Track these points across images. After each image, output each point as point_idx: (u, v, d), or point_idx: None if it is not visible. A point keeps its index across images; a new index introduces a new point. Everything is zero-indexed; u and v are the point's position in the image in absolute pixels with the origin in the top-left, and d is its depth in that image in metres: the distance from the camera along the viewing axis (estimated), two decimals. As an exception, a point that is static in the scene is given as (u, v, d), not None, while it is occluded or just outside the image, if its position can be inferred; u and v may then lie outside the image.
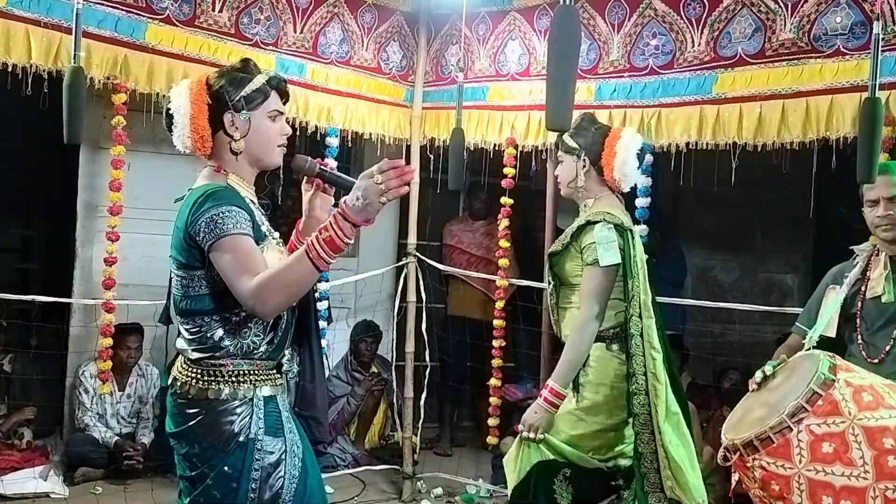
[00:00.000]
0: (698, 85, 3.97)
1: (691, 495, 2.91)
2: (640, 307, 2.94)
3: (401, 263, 5.25)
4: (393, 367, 5.57)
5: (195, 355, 2.17)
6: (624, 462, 3.07)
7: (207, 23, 4.33)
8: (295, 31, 4.67)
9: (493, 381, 4.89)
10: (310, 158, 2.32)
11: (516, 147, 4.70)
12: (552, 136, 4.41)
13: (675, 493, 2.89)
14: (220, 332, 2.15)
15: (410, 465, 5.02)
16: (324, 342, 5.17)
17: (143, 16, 4.11)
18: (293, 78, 4.66)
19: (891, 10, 3.36)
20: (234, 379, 2.16)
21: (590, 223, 3.00)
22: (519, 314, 5.16)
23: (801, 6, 3.66)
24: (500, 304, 4.89)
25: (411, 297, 5.16)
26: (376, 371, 5.62)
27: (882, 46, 3.05)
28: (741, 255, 6.62)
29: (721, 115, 3.88)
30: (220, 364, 2.16)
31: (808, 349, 2.50)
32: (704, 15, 3.97)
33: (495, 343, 4.90)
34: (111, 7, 4.00)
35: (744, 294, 6.48)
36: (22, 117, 4.92)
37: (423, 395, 5.21)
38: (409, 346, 5.15)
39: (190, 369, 2.18)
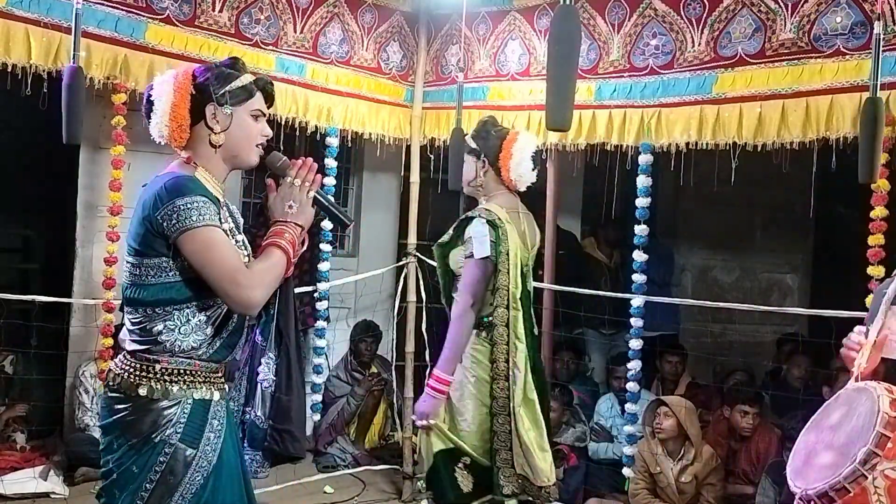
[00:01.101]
0: (698, 85, 3.97)
1: (538, 476, 3.11)
2: (507, 299, 3.12)
3: (401, 263, 5.25)
4: (393, 367, 5.57)
5: (132, 346, 2.12)
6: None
7: (207, 23, 4.33)
8: (295, 31, 4.67)
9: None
10: (284, 158, 2.29)
11: (516, 147, 4.70)
12: (553, 136, 4.42)
13: (525, 470, 3.09)
14: (160, 326, 2.09)
15: (410, 465, 5.02)
16: (323, 342, 5.19)
17: (143, 16, 4.11)
18: (293, 78, 4.67)
19: (891, 10, 3.36)
20: (167, 377, 2.09)
21: (469, 218, 3.20)
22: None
23: (802, 6, 3.66)
24: (500, 304, 4.89)
25: (411, 297, 5.15)
26: (376, 371, 5.61)
27: (882, 46, 3.05)
28: (741, 255, 6.62)
29: (721, 115, 3.88)
30: (154, 360, 2.10)
31: (857, 376, 2.44)
32: (704, 15, 3.97)
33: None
34: (111, 7, 4.00)
35: (744, 294, 6.48)
36: (22, 117, 4.91)
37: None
38: (409, 346, 5.15)
39: (125, 362, 2.13)
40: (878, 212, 3.52)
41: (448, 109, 4.91)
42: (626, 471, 4.48)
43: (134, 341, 2.12)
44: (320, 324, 5.14)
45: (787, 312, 5.39)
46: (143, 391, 2.08)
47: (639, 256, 4.33)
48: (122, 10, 4.04)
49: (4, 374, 4.88)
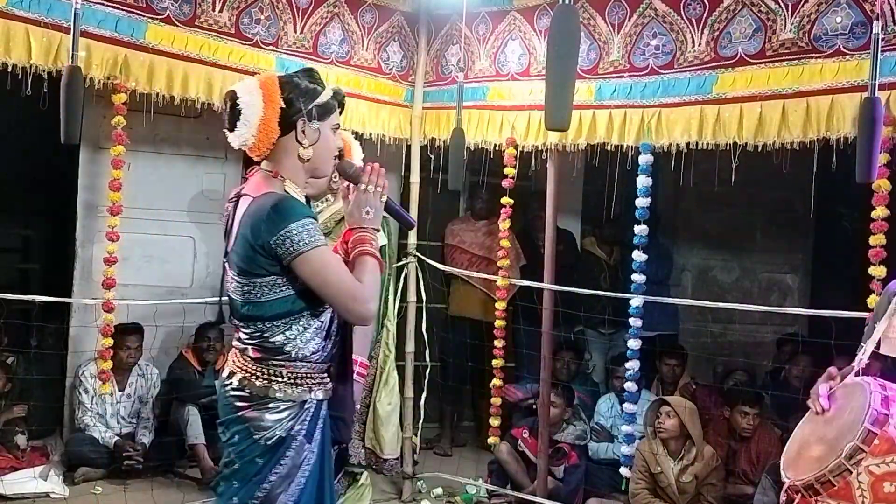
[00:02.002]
0: (698, 85, 3.97)
1: (384, 448, 3.43)
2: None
3: (401, 263, 5.25)
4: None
5: (255, 355, 2.23)
6: None
7: (207, 23, 4.33)
8: (295, 31, 4.67)
9: (495, 381, 4.90)
10: (356, 165, 2.35)
11: (516, 147, 4.70)
12: (553, 137, 4.42)
13: (372, 444, 3.38)
14: (281, 337, 2.20)
15: (410, 465, 5.02)
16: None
17: (143, 16, 4.11)
18: (293, 78, 4.66)
19: (891, 10, 3.36)
20: (291, 381, 2.22)
21: None
22: (519, 314, 5.16)
23: (802, 6, 3.66)
24: (501, 305, 4.89)
25: (411, 297, 5.15)
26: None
27: (882, 46, 3.05)
28: (741, 255, 6.61)
29: (721, 116, 3.87)
30: (280, 366, 2.21)
31: (858, 371, 2.45)
32: (705, 15, 3.96)
33: (496, 343, 4.90)
34: (111, 7, 4.00)
35: (744, 294, 6.48)
36: (22, 117, 4.92)
37: (423, 395, 5.21)
38: (410, 346, 5.15)
39: (249, 365, 2.23)
40: (879, 212, 3.52)
41: (448, 109, 4.91)
42: (623, 470, 4.48)
43: (257, 350, 2.22)
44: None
45: (787, 312, 5.38)
46: (270, 393, 2.20)
47: (638, 256, 4.33)
48: (122, 9, 4.04)
49: (9, 375, 4.88)
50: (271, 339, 2.19)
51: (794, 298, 6.49)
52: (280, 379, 2.20)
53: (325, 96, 2.26)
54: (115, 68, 4.04)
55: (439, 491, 4.99)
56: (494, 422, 4.92)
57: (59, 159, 4.98)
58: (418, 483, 5.04)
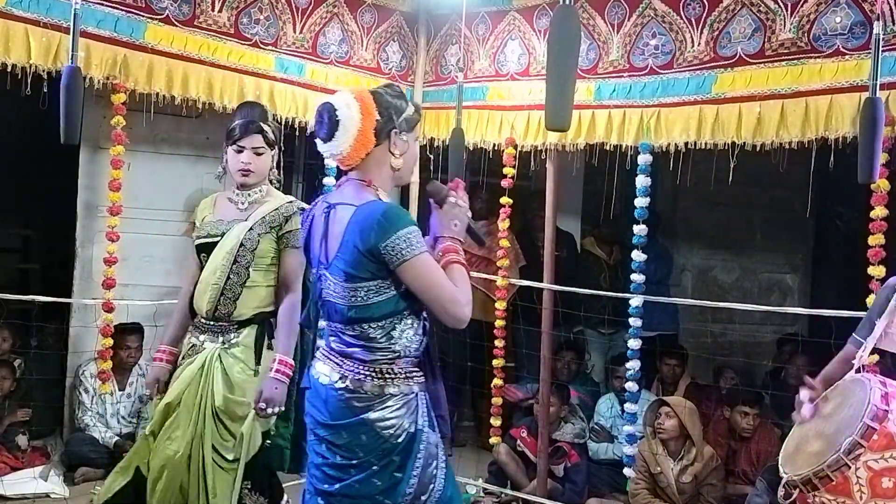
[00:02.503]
0: (698, 85, 3.97)
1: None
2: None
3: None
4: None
5: (366, 356, 2.32)
6: None
7: (207, 23, 4.33)
8: (294, 31, 4.67)
9: (496, 381, 4.89)
10: (444, 187, 2.45)
11: (516, 147, 4.70)
12: (552, 136, 4.42)
13: None
14: (390, 336, 2.31)
15: (410, 465, 5.01)
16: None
17: (143, 16, 4.11)
18: (293, 78, 4.67)
19: (891, 10, 3.36)
20: (403, 377, 2.33)
21: (298, 210, 3.19)
22: (519, 314, 5.15)
23: (801, 6, 3.66)
24: (501, 305, 4.89)
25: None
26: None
27: (882, 46, 3.05)
28: (741, 255, 6.61)
29: (720, 115, 3.87)
30: (391, 363, 2.32)
31: (859, 368, 2.45)
32: (704, 15, 3.96)
33: (496, 343, 4.90)
34: (110, 7, 4.00)
35: (744, 294, 6.48)
36: (22, 117, 4.92)
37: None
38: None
39: (359, 367, 2.32)
40: (878, 212, 3.52)
41: (448, 109, 4.91)
42: (626, 471, 4.48)
43: (365, 351, 2.32)
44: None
45: (787, 312, 5.38)
46: (386, 391, 2.30)
47: (638, 256, 4.33)
48: (122, 10, 4.04)
49: (15, 377, 4.88)
50: (381, 339, 2.30)
51: (794, 298, 6.49)
52: (391, 376, 2.31)
53: (409, 110, 2.41)
54: (115, 68, 4.04)
55: (439, 491, 4.98)
56: (495, 422, 4.92)
57: (59, 159, 4.97)
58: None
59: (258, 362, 3.09)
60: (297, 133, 5.02)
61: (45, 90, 3.80)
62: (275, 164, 3.30)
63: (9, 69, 3.72)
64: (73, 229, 4.98)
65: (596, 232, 6.08)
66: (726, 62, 3.88)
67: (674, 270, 6.29)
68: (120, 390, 4.89)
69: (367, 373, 2.31)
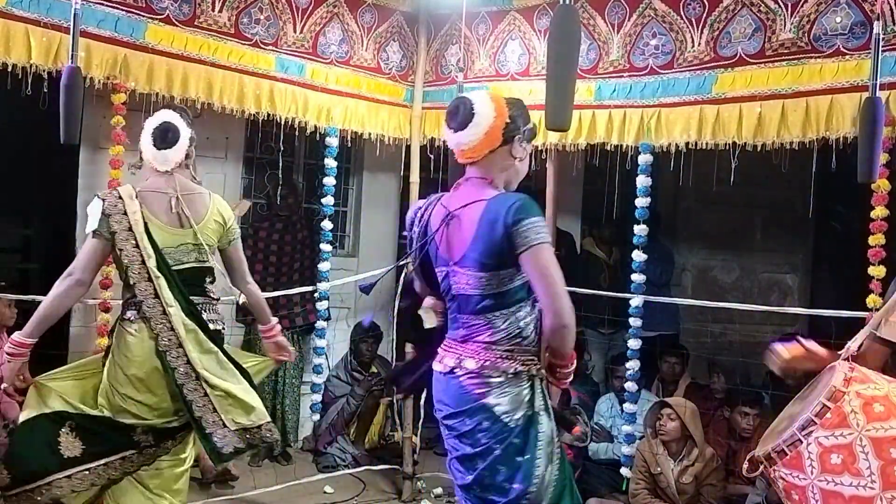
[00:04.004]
0: (698, 85, 3.97)
1: (257, 417, 3.17)
2: (146, 273, 3.10)
3: (401, 263, 5.24)
4: (393, 368, 5.56)
5: (488, 342, 2.42)
6: (159, 421, 3.15)
7: (207, 23, 4.33)
8: (295, 31, 4.67)
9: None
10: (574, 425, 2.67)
11: (516, 147, 4.69)
12: (553, 136, 4.42)
13: (239, 422, 3.11)
14: (516, 321, 2.42)
15: (410, 465, 5.02)
16: (323, 342, 5.19)
17: (143, 16, 4.11)
18: (293, 78, 4.68)
19: (891, 10, 3.36)
20: (521, 361, 2.41)
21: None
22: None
23: (801, 6, 3.66)
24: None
25: (411, 297, 5.14)
26: (376, 371, 5.61)
27: (882, 46, 3.05)
28: (741, 255, 6.61)
29: (721, 115, 3.88)
30: (511, 349, 2.41)
31: (847, 357, 2.46)
32: (704, 15, 3.97)
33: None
34: (111, 7, 4.00)
35: (744, 294, 6.48)
36: (22, 117, 4.91)
37: (423, 395, 5.20)
38: (410, 346, 5.13)
39: (488, 352, 2.41)
40: (879, 212, 3.53)
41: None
42: (623, 471, 4.48)
43: (491, 337, 2.43)
44: (320, 324, 5.15)
45: (787, 312, 5.38)
46: (508, 375, 2.39)
47: (638, 256, 4.33)
48: (122, 10, 4.04)
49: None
50: (501, 326, 2.41)
51: (794, 298, 6.49)
52: (511, 361, 2.39)
53: (531, 123, 2.59)
54: (115, 68, 4.04)
55: (439, 491, 4.99)
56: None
57: (59, 159, 4.97)
58: (418, 483, 5.04)
59: None
60: (296, 133, 5.02)
61: (46, 90, 3.79)
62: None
63: (9, 69, 3.71)
64: (73, 229, 4.98)
65: (595, 232, 6.08)
66: (727, 62, 3.89)
67: (674, 271, 6.29)
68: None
69: (489, 358, 2.39)
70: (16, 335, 3.07)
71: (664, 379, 5.26)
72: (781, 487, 2.25)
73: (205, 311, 3.22)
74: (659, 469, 4.33)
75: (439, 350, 2.55)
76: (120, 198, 3.12)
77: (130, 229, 3.10)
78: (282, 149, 5.03)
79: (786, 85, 3.69)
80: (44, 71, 3.79)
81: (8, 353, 3.02)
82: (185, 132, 3.22)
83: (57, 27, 3.77)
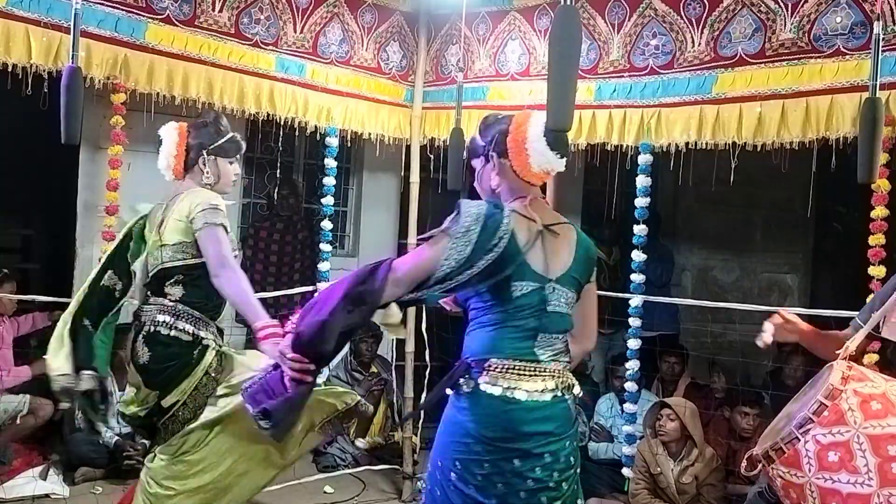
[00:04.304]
0: (698, 85, 3.97)
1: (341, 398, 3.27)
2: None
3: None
4: (393, 367, 5.56)
5: (568, 359, 2.41)
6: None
7: (207, 23, 4.33)
8: (295, 31, 4.67)
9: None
10: None
11: (516, 147, 4.69)
12: (552, 136, 4.41)
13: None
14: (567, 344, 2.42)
15: (410, 465, 5.02)
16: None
17: (143, 16, 4.12)
18: (293, 78, 4.68)
19: (891, 10, 3.36)
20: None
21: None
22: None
23: (801, 6, 3.66)
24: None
25: (411, 296, 5.14)
26: (376, 371, 5.61)
27: (882, 46, 3.05)
28: (741, 255, 6.62)
29: (721, 115, 3.88)
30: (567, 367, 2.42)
31: (845, 356, 2.48)
32: (704, 15, 3.97)
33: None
34: (111, 7, 4.00)
35: (744, 294, 6.48)
36: (22, 117, 4.91)
37: (423, 395, 5.20)
38: (409, 346, 5.14)
39: (567, 373, 2.40)
40: (879, 212, 3.53)
41: (448, 109, 4.91)
42: (625, 471, 4.48)
43: (567, 357, 2.43)
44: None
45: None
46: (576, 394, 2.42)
47: (638, 256, 4.33)
48: (122, 10, 4.05)
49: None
50: (567, 347, 2.41)
51: (794, 298, 6.49)
52: (573, 381, 2.42)
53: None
54: (115, 68, 4.04)
55: (439, 491, 4.98)
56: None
57: (59, 159, 4.97)
58: (418, 483, 5.03)
59: None
60: (296, 133, 5.02)
61: (46, 90, 3.80)
62: None
63: (9, 69, 3.72)
64: (73, 229, 4.98)
65: (594, 233, 6.07)
66: (727, 62, 3.89)
67: (674, 271, 6.29)
68: (120, 390, 4.88)
69: (571, 380, 2.41)
70: (267, 320, 3.01)
71: (664, 379, 5.26)
72: (780, 486, 2.25)
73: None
74: (659, 469, 4.34)
75: (499, 371, 2.28)
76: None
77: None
78: (282, 149, 5.04)
79: (786, 85, 3.69)
80: (44, 71, 3.79)
81: (274, 336, 2.91)
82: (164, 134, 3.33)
83: (57, 27, 3.77)
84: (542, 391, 2.28)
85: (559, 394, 2.32)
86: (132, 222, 3.37)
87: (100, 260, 3.41)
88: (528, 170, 2.38)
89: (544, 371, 2.30)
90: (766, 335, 2.57)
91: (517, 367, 2.28)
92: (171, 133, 3.27)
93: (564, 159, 2.41)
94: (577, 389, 2.41)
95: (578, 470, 2.42)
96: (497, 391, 2.26)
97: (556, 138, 2.38)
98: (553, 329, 2.35)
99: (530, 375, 2.28)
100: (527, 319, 2.30)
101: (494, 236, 2.22)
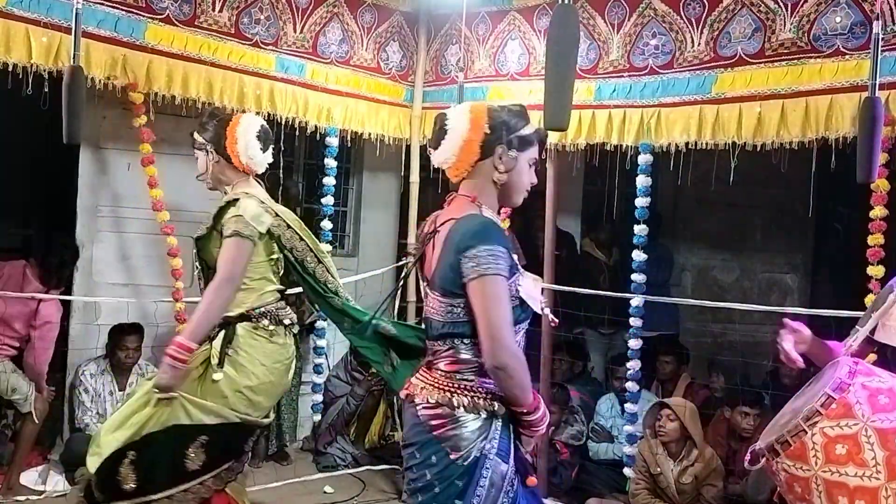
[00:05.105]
0: (698, 85, 3.97)
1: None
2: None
3: (401, 263, 5.25)
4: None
5: (450, 368, 2.26)
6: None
7: (207, 23, 4.33)
8: (295, 31, 4.67)
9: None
10: None
11: (516, 147, 4.70)
12: (552, 136, 4.41)
13: None
14: (472, 354, 2.23)
15: (410, 465, 5.01)
16: (323, 342, 5.19)
17: (143, 16, 4.12)
18: (293, 78, 4.68)
19: (891, 10, 3.36)
20: (483, 393, 2.23)
21: (230, 203, 3.14)
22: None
23: (801, 6, 3.66)
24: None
25: (411, 297, 5.15)
26: (376, 371, 5.61)
27: (882, 46, 3.05)
28: (741, 255, 6.62)
29: (720, 115, 3.88)
30: (474, 379, 2.24)
31: (850, 346, 2.50)
32: (704, 15, 3.97)
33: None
34: (111, 7, 4.00)
35: (744, 294, 6.48)
36: (22, 117, 4.91)
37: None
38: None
39: (442, 381, 2.26)
40: (878, 212, 3.53)
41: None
42: (626, 471, 4.48)
43: (457, 366, 2.25)
44: (320, 324, 5.14)
45: (787, 312, 5.37)
46: (464, 408, 2.21)
47: (638, 256, 4.33)
48: (122, 9, 4.05)
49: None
50: (468, 356, 2.23)
51: (794, 298, 6.49)
52: (473, 393, 2.22)
53: (528, 129, 2.35)
54: (115, 68, 4.04)
55: (439, 491, 4.98)
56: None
57: (60, 159, 4.97)
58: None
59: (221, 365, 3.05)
60: (296, 133, 5.02)
61: (46, 90, 3.80)
62: (210, 165, 3.28)
63: (9, 69, 3.72)
64: (74, 229, 4.99)
65: (593, 235, 6.07)
66: (726, 62, 3.89)
67: (674, 271, 6.29)
68: (120, 390, 4.89)
69: (447, 388, 2.23)
70: (184, 340, 2.92)
71: (662, 379, 5.26)
72: (783, 480, 2.23)
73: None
74: (659, 469, 4.33)
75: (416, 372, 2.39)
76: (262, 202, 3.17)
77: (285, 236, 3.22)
78: (282, 149, 5.03)
79: (785, 85, 3.69)
80: (44, 71, 3.79)
81: (176, 359, 2.89)
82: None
83: (57, 27, 3.77)
84: (403, 394, 2.33)
85: (413, 397, 2.29)
86: None
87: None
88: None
89: (417, 375, 2.34)
90: (791, 352, 2.49)
91: (414, 370, 2.39)
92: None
93: (434, 151, 2.37)
94: (448, 402, 2.21)
95: (449, 493, 2.20)
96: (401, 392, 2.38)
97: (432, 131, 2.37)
98: (430, 334, 2.32)
99: (412, 378, 2.36)
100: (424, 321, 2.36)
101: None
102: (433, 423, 2.22)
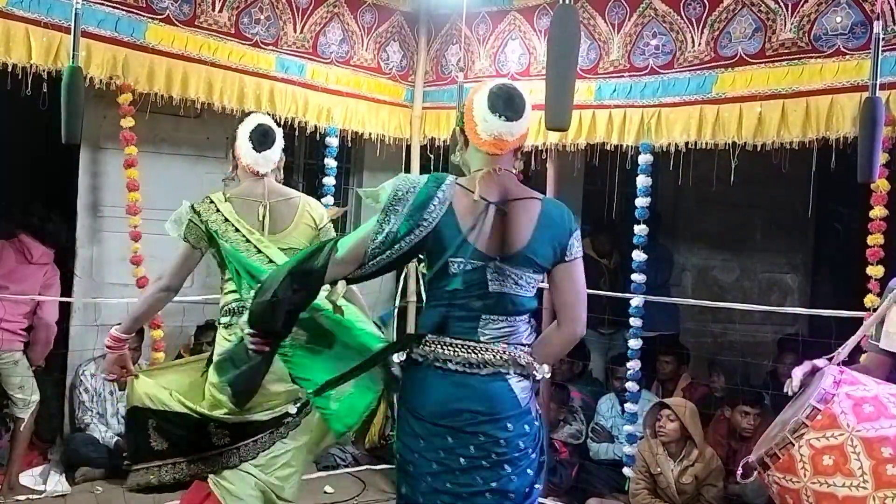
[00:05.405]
0: (698, 85, 3.97)
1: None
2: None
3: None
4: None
5: (528, 341, 2.34)
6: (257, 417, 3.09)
7: (207, 23, 4.33)
8: (295, 31, 4.67)
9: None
10: None
11: (516, 147, 4.70)
12: (553, 136, 4.42)
13: None
14: (531, 326, 2.35)
15: (410, 465, 5.01)
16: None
17: (143, 16, 4.12)
18: (293, 78, 4.68)
19: (891, 9, 3.36)
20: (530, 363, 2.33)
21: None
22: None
23: (802, 6, 3.67)
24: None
25: (411, 297, 5.15)
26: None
27: (882, 46, 3.05)
28: (741, 255, 6.61)
29: (721, 115, 3.88)
30: (527, 351, 2.31)
31: (839, 362, 2.49)
32: (704, 15, 3.97)
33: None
34: (111, 7, 4.01)
35: (744, 294, 6.48)
36: (22, 117, 4.92)
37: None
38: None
39: (524, 356, 2.30)
40: (878, 212, 3.53)
41: (448, 109, 4.92)
42: (626, 471, 4.48)
43: (531, 339, 2.35)
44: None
45: (787, 312, 5.38)
46: (539, 374, 2.33)
47: (638, 256, 4.33)
48: (122, 10, 4.05)
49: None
50: (530, 329, 2.34)
51: (794, 298, 6.49)
52: (534, 364, 2.31)
53: None
54: (116, 68, 4.04)
55: (439, 491, 4.98)
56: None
57: (60, 159, 4.97)
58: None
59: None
60: (297, 133, 5.02)
61: (46, 90, 3.80)
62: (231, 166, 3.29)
63: (9, 69, 3.72)
64: (74, 229, 4.99)
65: (592, 237, 6.07)
66: (727, 62, 3.89)
67: (674, 271, 6.29)
68: (120, 390, 4.89)
69: (531, 361, 2.31)
70: (113, 330, 3.08)
71: (662, 379, 5.26)
72: (776, 492, 2.25)
73: None
74: (659, 469, 4.33)
75: (439, 348, 2.23)
76: (212, 202, 3.08)
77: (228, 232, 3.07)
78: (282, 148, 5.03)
79: (786, 85, 3.70)
80: (44, 71, 3.79)
81: (107, 347, 3.08)
82: (280, 133, 3.18)
83: (57, 27, 3.77)
84: (473, 366, 2.23)
85: (500, 371, 2.24)
86: None
87: None
88: (478, 139, 2.30)
89: (485, 351, 2.24)
90: (796, 378, 2.46)
91: (453, 345, 2.24)
92: (273, 124, 3.22)
93: (514, 123, 2.31)
94: (538, 372, 2.29)
95: (537, 455, 2.32)
96: (424, 363, 2.25)
97: (500, 101, 2.33)
98: (498, 311, 2.25)
99: (466, 353, 2.23)
100: (470, 299, 2.23)
101: (424, 210, 2.18)
102: (524, 395, 2.29)
